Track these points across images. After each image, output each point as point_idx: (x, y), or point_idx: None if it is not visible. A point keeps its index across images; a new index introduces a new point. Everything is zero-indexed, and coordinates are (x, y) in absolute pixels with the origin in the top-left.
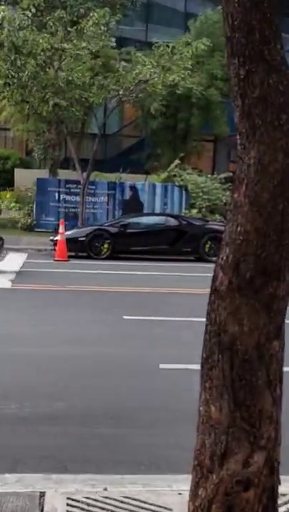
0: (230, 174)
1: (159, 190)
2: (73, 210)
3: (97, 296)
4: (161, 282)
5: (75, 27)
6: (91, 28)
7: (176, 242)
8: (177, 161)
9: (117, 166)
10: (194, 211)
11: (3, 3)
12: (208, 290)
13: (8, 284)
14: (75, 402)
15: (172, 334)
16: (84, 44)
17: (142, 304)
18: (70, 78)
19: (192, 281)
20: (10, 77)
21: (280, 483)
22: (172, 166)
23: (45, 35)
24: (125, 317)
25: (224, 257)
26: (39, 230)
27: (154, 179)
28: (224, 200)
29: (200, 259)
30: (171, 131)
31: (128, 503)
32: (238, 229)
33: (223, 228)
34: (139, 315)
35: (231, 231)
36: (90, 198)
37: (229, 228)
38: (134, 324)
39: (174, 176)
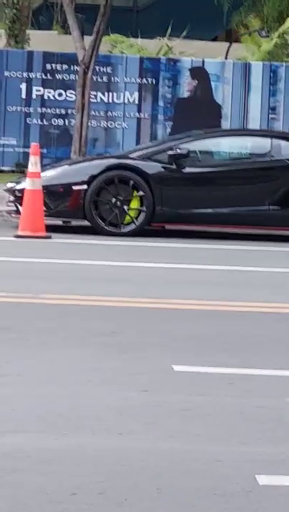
0: None
1: (257, 79)
2: (61, 122)
3: (114, 317)
4: (265, 290)
5: None
6: None
7: None
8: None
9: (161, 23)
10: None
11: None
12: None
13: None
14: None
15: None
16: None
17: (218, 338)
18: None
19: None
20: None
21: None
22: None
23: None
24: (177, 367)
25: None
26: None
27: (248, 53)
28: None
29: None
30: None
31: None
32: None
33: None
34: (210, 363)
35: None
36: (99, 94)
37: None
38: (201, 384)
39: None
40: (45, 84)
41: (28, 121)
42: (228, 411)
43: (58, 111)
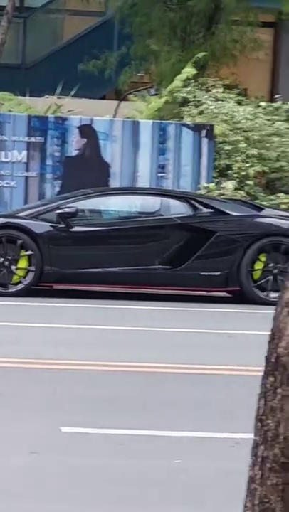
0: None
1: (146, 137)
2: None
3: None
4: (156, 350)
5: None
6: None
7: (187, 258)
8: (190, 70)
9: (50, 81)
10: (230, 185)
11: None
12: (258, 369)
13: None
14: None
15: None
16: None
17: (109, 400)
18: None
19: (218, 347)
20: None
21: None
22: (178, 80)
23: None
24: (65, 429)
25: None
26: None
27: (137, 111)
28: None
29: (243, 296)
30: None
31: None
32: None
33: None
34: (99, 425)
35: None
36: None
37: None
38: (87, 445)
39: (185, 103)
40: None
41: None
42: (111, 472)
43: None
